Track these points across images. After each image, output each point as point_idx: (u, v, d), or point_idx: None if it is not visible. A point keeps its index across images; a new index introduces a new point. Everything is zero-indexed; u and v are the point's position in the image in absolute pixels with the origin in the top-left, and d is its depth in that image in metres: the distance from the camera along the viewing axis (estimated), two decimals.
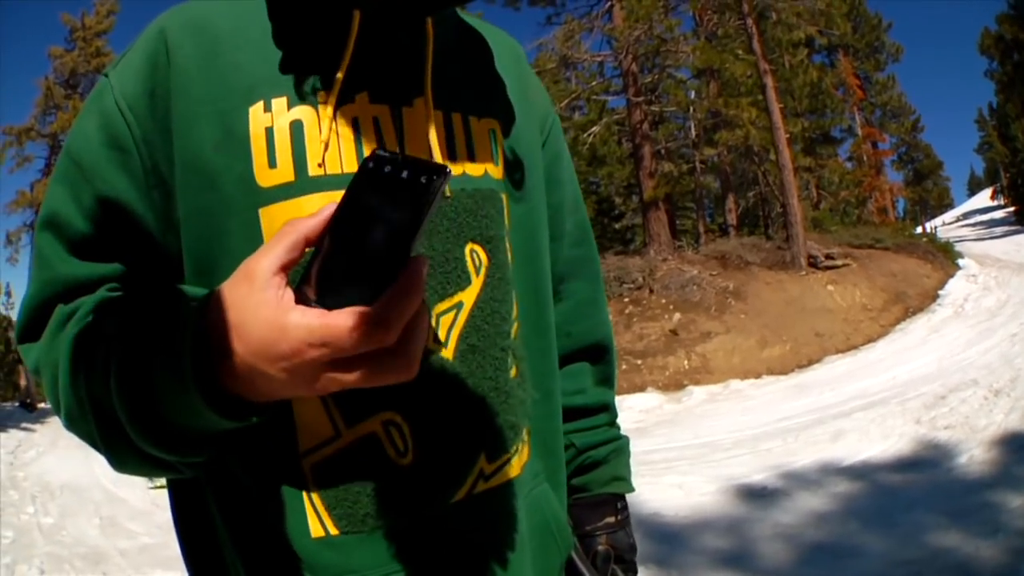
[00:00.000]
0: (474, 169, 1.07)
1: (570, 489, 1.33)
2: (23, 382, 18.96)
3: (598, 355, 1.40)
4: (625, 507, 1.40)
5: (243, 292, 0.71)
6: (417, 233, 0.64)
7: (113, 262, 1.01)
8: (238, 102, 0.97)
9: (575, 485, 1.36)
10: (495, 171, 1.11)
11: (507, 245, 1.11)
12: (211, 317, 0.74)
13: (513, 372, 1.09)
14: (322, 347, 0.66)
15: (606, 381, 1.42)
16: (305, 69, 1.00)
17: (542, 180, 1.25)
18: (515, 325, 1.12)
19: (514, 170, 1.15)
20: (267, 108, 0.97)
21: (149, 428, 0.80)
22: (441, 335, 1.00)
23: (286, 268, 0.71)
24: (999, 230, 38.03)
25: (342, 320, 0.65)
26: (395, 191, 0.65)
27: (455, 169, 1.03)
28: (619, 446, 1.41)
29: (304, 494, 0.96)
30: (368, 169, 0.66)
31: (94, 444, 0.90)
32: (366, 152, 0.97)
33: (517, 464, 1.09)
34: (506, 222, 1.12)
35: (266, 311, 0.69)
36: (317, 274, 0.67)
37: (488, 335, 1.04)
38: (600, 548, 1.34)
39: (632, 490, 1.40)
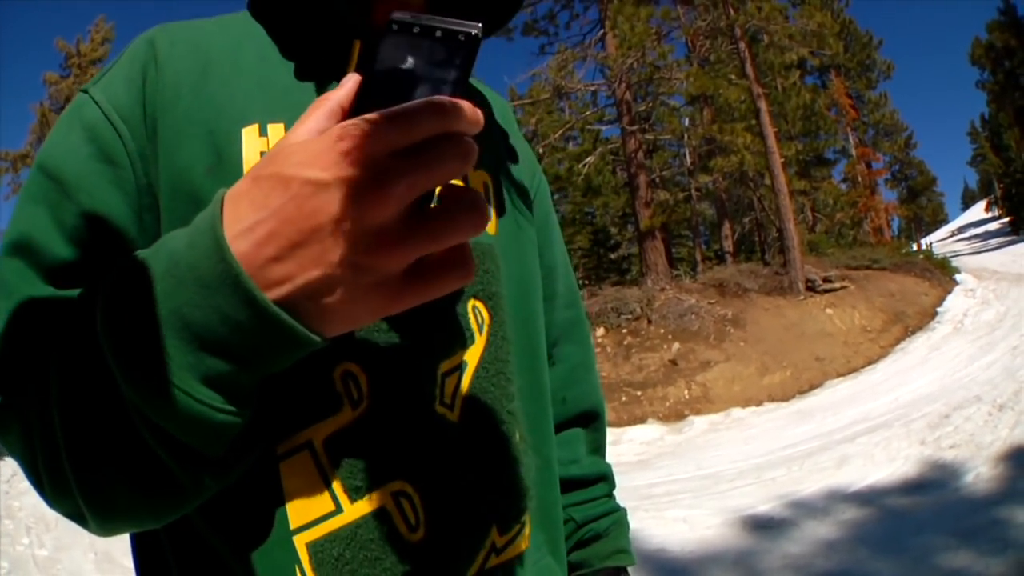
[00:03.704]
0: None
1: (570, 565, 1.27)
2: None
3: (590, 422, 1.36)
4: None
5: (274, 153, 0.62)
6: (463, 87, 0.60)
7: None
8: (230, 123, 0.91)
9: (575, 561, 1.29)
10: (490, 226, 1.05)
11: (505, 303, 1.05)
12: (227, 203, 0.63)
13: (517, 436, 1.01)
14: (338, 143, 0.56)
15: (598, 450, 1.37)
16: (303, 98, 0.95)
17: (534, 239, 1.21)
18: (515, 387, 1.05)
19: (507, 226, 1.10)
20: (263, 132, 0.91)
21: (154, 361, 0.62)
22: (447, 396, 0.92)
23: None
24: (994, 242, 38.22)
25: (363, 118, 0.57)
26: (431, 50, 0.61)
27: None
28: (618, 518, 1.34)
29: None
30: (395, 31, 0.62)
31: (79, 490, 0.71)
32: None
33: (526, 536, 1.02)
34: (503, 279, 1.06)
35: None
36: None
37: (495, 397, 0.97)
38: None
39: (634, 562, 1.32)
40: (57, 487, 0.73)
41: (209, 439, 0.65)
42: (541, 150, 27.56)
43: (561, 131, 27.09)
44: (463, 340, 0.96)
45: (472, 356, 0.97)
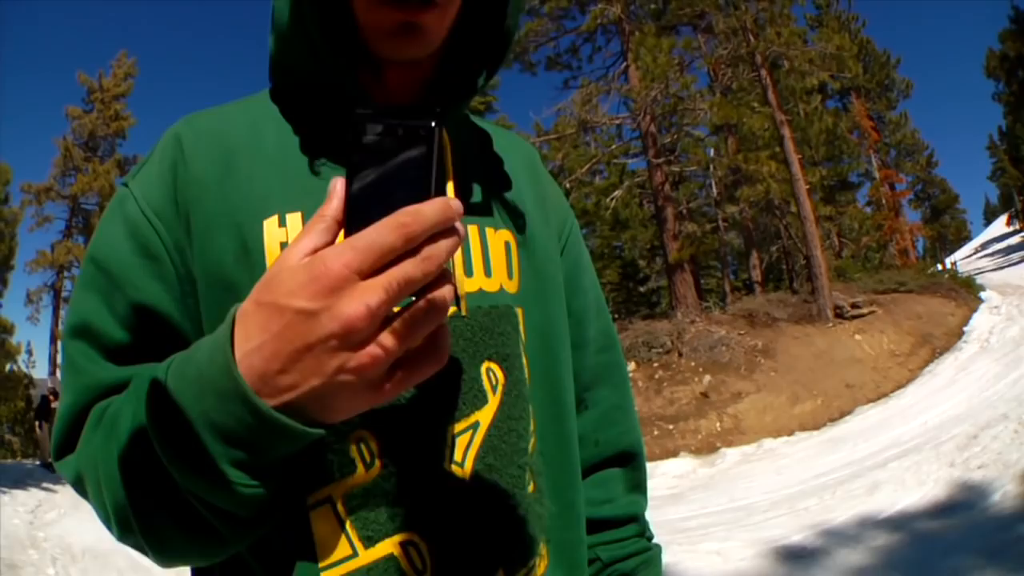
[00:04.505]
0: (490, 284, 1.08)
1: None
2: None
3: (628, 461, 1.37)
4: None
5: (270, 279, 0.71)
6: (432, 180, 0.66)
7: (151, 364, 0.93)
8: (252, 215, 0.99)
9: None
10: (510, 285, 1.11)
11: (524, 360, 1.10)
12: (240, 316, 0.74)
13: (531, 487, 1.06)
14: (316, 277, 0.66)
15: (637, 488, 1.38)
16: (321, 184, 1.01)
17: (560, 289, 1.24)
18: (532, 439, 1.09)
19: (530, 281, 1.15)
20: (282, 223, 0.99)
21: (187, 444, 0.76)
22: (458, 455, 0.98)
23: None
24: (1016, 256, 37.25)
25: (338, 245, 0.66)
26: (398, 147, 0.66)
27: (471, 285, 1.05)
28: (649, 557, 1.32)
29: None
30: (361, 133, 0.67)
31: (141, 535, 0.87)
32: None
33: None
34: (522, 336, 1.11)
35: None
36: None
37: (505, 454, 1.02)
38: None
39: None
40: (123, 527, 0.88)
41: (240, 506, 0.78)
42: (568, 185, 27.03)
43: (587, 166, 26.66)
44: (475, 402, 1.01)
45: (485, 416, 1.02)
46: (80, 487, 0.96)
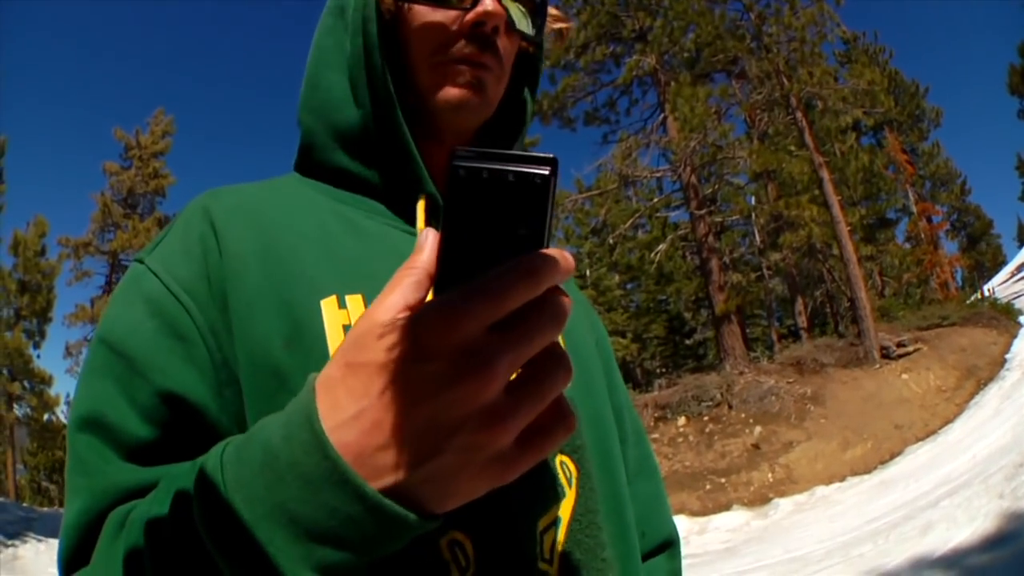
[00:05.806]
0: None
1: None
2: None
3: (666, 549, 1.37)
4: None
5: (361, 337, 0.59)
6: (545, 238, 0.56)
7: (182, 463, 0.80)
8: (305, 294, 0.89)
9: None
10: None
11: (588, 454, 1.06)
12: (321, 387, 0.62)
13: None
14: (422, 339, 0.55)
15: (677, 573, 1.38)
16: (376, 266, 0.95)
17: (604, 384, 1.23)
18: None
19: (579, 375, 1.02)
20: (341, 304, 0.90)
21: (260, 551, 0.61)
22: (546, 552, 0.92)
23: (413, 309, 0.58)
24: None
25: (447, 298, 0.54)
26: (506, 196, 0.56)
27: None
28: None
29: None
30: (462, 177, 0.56)
31: None
32: None
33: None
34: (582, 429, 1.08)
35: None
36: None
37: (589, 548, 0.98)
38: None
39: None
40: None
41: None
42: (612, 240, 27.43)
43: (630, 220, 26.79)
44: (556, 496, 0.96)
45: (565, 510, 0.97)
46: None
